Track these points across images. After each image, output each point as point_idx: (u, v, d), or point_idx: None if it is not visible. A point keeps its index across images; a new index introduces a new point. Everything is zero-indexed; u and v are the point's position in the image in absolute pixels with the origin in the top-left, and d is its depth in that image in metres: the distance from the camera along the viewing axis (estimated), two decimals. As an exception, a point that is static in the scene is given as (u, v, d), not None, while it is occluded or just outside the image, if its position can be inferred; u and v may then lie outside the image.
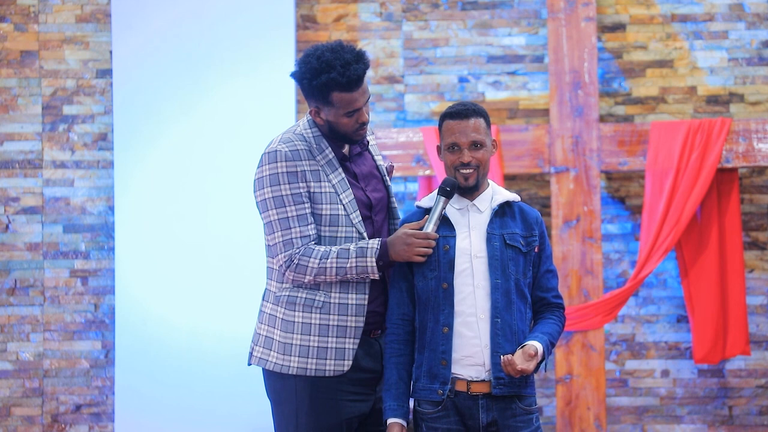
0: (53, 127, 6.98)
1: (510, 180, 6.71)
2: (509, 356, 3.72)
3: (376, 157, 4.13)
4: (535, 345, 3.78)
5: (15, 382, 6.94)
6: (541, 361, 3.82)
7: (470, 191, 3.91)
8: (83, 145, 6.97)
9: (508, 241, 3.88)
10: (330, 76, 3.83)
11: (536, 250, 3.93)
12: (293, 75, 3.94)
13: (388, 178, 4.13)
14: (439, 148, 3.97)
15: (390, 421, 3.83)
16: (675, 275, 6.76)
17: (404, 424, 3.83)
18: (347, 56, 3.85)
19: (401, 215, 4.13)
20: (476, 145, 3.88)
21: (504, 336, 3.83)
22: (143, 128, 6.79)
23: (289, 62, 6.77)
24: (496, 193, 3.95)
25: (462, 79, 6.90)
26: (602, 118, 6.77)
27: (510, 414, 3.84)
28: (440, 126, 3.94)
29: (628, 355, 6.81)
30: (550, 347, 3.86)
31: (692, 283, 6.61)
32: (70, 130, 6.97)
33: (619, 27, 6.88)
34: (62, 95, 6.98)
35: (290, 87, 6.74)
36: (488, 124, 3.92)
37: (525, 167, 6.68)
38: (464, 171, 3.87)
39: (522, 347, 3.77)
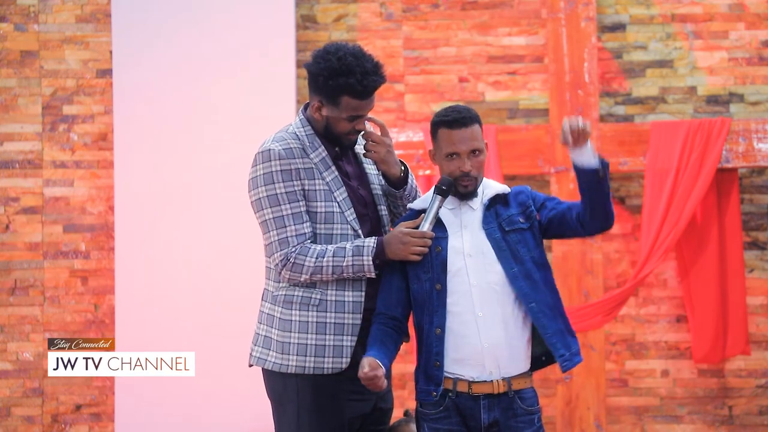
0: (53, 127, 6.98)
1: (510, 180, 6.71)
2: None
3: (359, 157, 4.12)
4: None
5: (15, 382, 6.95)
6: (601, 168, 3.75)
7: (467, 194, 3.91)
8: (83, 145, 6.97)
9: (506, 228, 3.87)
10: (348, 81, 3.85)
11: (538, 217, 3.91)
12: (308, 66, 3.94)
13: (375, 176, 4.11)
14: (431, 153, 3.96)
15: (366, 356, 3.75)
16: (675, 275, 6.76)
17: (381, 364, 3.74)
18: (368, 65, 3.88)
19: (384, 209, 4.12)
20: (475, 153, 3.88)
21: (545, 316, 3.82)
22: (143, 128, 6.78)
23: (289, 62, 6.77)
24: (486, 188, 3.94)
25: (462, 79, 6.90)
26: (602, 118, 6.77)
27: (512, 414, 3.83)
28: (434, 132, 3.91)
29: (628, 355, 6.81)
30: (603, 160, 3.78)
31: (692, 283, 6.61)
32: (70, 130, 6.97)
33: (619, 27, 6.88)
34: (62, 95, 6.98)
35: (290, 87, 6.74)
36: (481, 126, 3.92)
37: (525, 167, 6.68)
38: (464, 181, 3.87)
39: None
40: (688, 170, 6.50)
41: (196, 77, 6.78)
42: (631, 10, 6.87)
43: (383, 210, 4.08)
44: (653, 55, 6.85)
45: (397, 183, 4.05)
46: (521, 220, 3.89)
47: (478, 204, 3.91)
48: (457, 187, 3.87)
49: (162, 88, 6.79)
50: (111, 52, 6.92)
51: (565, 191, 6.60)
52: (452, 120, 3.87)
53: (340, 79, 3.86)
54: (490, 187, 3.95)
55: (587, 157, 3.75)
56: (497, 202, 3.93)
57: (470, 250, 3.86)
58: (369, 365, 3.71)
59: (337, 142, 3.99)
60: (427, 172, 6.62)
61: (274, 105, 6.72)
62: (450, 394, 3.83)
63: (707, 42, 6.83)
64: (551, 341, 3.82)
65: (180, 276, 6.71)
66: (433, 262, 3.86)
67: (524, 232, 3.88)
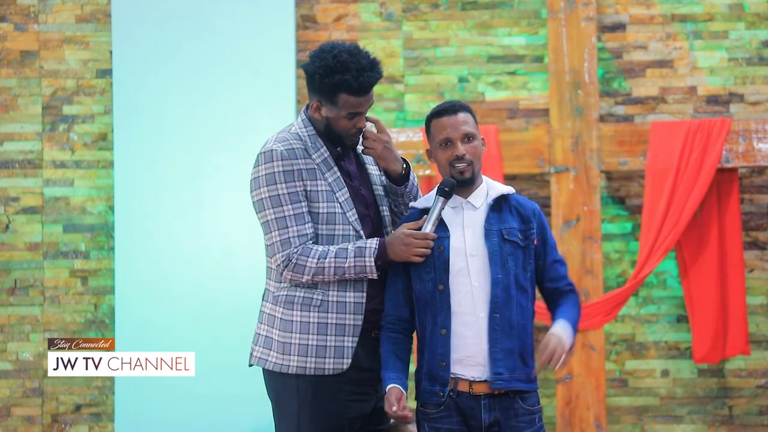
0: (53, 127, 6.98)
1: (510, 180, 6.72)
2: (547, 356, 3.75)
3: (361, 157, 4.12)
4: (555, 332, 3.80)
5: (15, 382, 6.94)
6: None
7: (465, 187, 3.90)
8: (83, 145, 6.97)
9: (506, 236, 3.87)
10: (343, 78, 3.84)
11: (535, 242, 3.91)
12: (304, 67, 3.95)
13: (377, 176, 4.11)
14: (429, 152, 3.96)
15: (389, 386, 3.79)
16: (675, 275, 6.76)
17: (404, 391, 3.80)
18: (363, 62, 3.87)
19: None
20: (468, 138, 3.88)
21: (503, 331, 3.81)
22: (143, 128, 6.79)
23: (289, 62, 6.77)
24: (490, 188, 3.93)
25: (462, 79, 6.90)
26: (602, 118, 6.77)
27: (512, 414, 3.83)
28: (428, 127, 3.93)
29: (628, 355, 6.81)
30: (573, 332, 3.84)
31: (692, 283, 6.61)
32: (70, 130, 6.97)
33: (619, 27, 6.88)
34: (62, 95, 6.98)
35: (290, 87, 6.74)
36: (475, 119, 3.93)
37: (525, 167, 6.68)
38: (459, 165, 3.87)
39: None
40: (688, 170, 6.50)
41: (196, 77, 6.78)
42: (631, 10, 6.87)
43: (385, 210, 4.07)
44: (653, 55, 6.85)
45: (398, 179, 4.05)
46: (519, 236, 3.89)
47: (481, 203, 3.91)
48: (452, 174, 3.86)
49: (162, 88, 6.79)
50: (111, 52, 6.92)
51: (565, 191, 6.60)
52: (441, 109, 3.90)
53: (335, 77, 3.85)
54: (495, 188, 3.94)
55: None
56: (502, 205, 3.92)
57: (472, 250, 3.85)
58: (396, 399, 3.74)
59: (339, 142, 3.98)
60: (428, 172, 6.62)
61: (274, 105, 6.73)
62: (451, 393, 3.83)
63: (707, 42, 6.83)
64: (494, 356, 3.80)
65: (180, 276, 6.71)
66: (435, 262, 3.85)
67: (518, 249, 3.88)
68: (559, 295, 3.94)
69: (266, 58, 6.77)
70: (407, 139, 6.66)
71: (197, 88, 6.77)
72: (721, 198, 6.60)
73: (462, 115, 3.88)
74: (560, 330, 3.81)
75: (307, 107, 4.04)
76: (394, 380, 3.80)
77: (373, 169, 4.10)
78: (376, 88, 6.77)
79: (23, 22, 7.02)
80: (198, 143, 6.76)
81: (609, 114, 6.83)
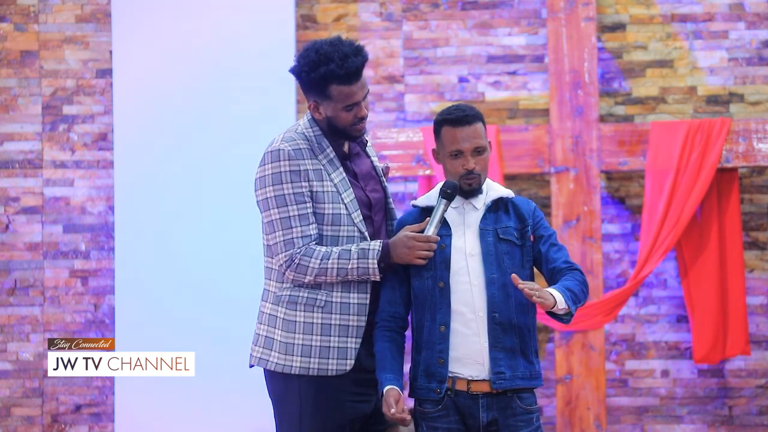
0: (53, 127, 6.98)
1: (510, 180, 6.72)
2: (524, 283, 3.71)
3: (373, 159, 4.14)
4: (548, 290, 3.76)
5: (15, 382, 6.95)
6: (566, 314, 3.78)
7: (471, 192, 3.92)
8: (83, 145, 6.97)
9: (501, 236, 3.87)
10: (328, 68, 3.84)
11: (532, 239, 3.92)
12: (292, 70, 3.95)
13: (384, 179, 4.13)
14: (434, 152, 3.96)
15: (387, 387, 3.77)
16: (675, 275, 6.76)
17: (401, 392, 3.79)
18: (346, 49, 3.87)
19: (398, 215, 4.13)
20: (479, 151, 3.88)
21: (503, 330, 3.82)
22: (143, 128, 6.79)
23: (289, 62, 6.73)
24: (490, 190, 3.95)
25: (462, 79, 6.90)
26: (602, 118, 6.77)
27: (510, 413, 3.83)
28: (437, 131, 3.92)
29: (628, 355, 6.81)
30: (570, 295, 3.77)
31: (692, 283, 6.61)
32: (70, 130, 6.98)
33: (619, 27, 6.88)
34: (62, 95, 6.98)
35: (290, 87, 6.74)
36: (485, 126, 3.93)
37: (525, 167, 6.68)
38: (470, 179, 3.87)
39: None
40: (688, 170, 6.50)
41: (196, 77, 6.78)
42: (631, 10, 6.87)
43: (391, 203, 4.10)
44: (653, 55, 6.85)
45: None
46: (515, 235, 3.90)
47: (481, 204, 3.92)
48: (461, 185, 3.87)
49: (162, 88, 6.79)
50: (111, 52, 6.92)
51: (565, 191, 6.60)
52: (455, 118, 3.87)
53: (321, 69, 3.85)
54: (494, 189, 3.96)
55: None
56: (500, 206, 3.93)
57: (471, 249, 3.86)
58: (395, 401, 3.72)
59: (345, 137, 3.98)
60: (427, 172, 6.62)
61: (274, 105, 6.73)
62: (449, 392, 3.83)
63: (707, 42, 6.83)
64: (494, 355, 3.81)
65: (180, 276, 6.71)
66: (436, 259, 3.86)
67: (514, 247, 3.89)
68: (557, 273, 3.89)
69: (266, 58, 6.77)
70: (407, 139, 6.66)
71: (197, 88, 6.77)
72: (721, 198, 6.60)
73: (474, 127, 3.86)
74: (552, 289, 3.78)
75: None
76: (391, 381, 3.80)
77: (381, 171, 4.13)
78: (377, 88, 6.85)
79: (23, 22, 7.02)
80: (198, 143, 6.76)
81: (609, 114, 6.83)
